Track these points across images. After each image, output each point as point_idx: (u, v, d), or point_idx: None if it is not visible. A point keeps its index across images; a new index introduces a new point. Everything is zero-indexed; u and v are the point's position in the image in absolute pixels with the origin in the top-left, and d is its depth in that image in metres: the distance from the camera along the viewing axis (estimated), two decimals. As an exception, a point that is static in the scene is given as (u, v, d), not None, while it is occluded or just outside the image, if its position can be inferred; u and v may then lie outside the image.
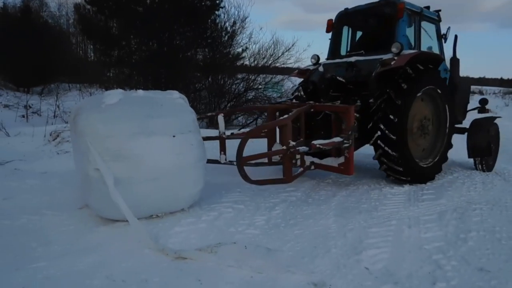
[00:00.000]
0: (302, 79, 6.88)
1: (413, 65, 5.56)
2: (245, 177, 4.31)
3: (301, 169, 5.21)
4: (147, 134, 3.87)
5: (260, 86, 15.34)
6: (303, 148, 4.80)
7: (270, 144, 5.89)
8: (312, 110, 5.60)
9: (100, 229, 3.81)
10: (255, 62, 15.47)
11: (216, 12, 14.79)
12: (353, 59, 6.20)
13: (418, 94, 5.59)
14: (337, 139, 5.05)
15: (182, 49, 13.67)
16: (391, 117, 5.30)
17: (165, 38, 13.22)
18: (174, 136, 4.02)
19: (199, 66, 14.53)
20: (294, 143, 4.68)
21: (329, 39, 6.91)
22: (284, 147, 4.67)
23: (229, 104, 14.72)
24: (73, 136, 4.25)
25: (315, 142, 4.87)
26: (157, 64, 12.86)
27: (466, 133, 6.85)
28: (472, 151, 6.70)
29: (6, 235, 3.65)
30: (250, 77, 15.26)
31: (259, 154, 4.59)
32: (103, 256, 3.22)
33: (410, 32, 6.24)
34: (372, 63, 5.68)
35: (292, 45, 15.05)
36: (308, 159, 5.47)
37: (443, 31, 6.99)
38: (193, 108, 4.77)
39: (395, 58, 5.39)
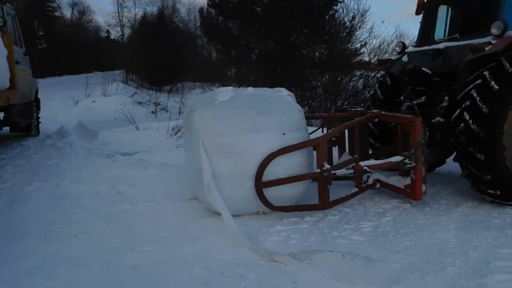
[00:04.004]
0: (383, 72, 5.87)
1: None
2: (265, 203, 3.89)
3: (356, 189, 4.36)
4: (257, 131, 3.90)
5: (380, 83, 14.53)
6: (341, 172, 4.06)
7: (341, 153, 5.20)
8: (376, 120, 4.79)
9: (206, 220, 3.97)
10: (376, 57, 14.70)
11: (335, 7, 14.42)
12: (442, 45, 5.04)
13: None
14: (395, 159, 4.20)
15: (298, 47, 13.66)
16: (483, 108, 4.08)
17: (282, 36, 13.36)
18: (284, 134, 3.98)
19: (315, 63, 14.37)
20: (328, 166, 3.98)
21: (420, 22, 5.76)
22: (318, 170, 3.96)
23: (345, 102, 14.26)
24: (186, 131, 4.49)
25: (362, 163, 4.09)
26: (273, 62, 13.09)
27: None
28: None
29: (126, 218, 4.04)
30: (370, 73, 14.54)
31: (284, 179, 3.91)
32: (204, 247, 3.33)
33: None
34: (465, 50, 4.52)
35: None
36: (374, 176, 4.58)
37: None
38: (308, 105, 4.64)
39: (493, 41, 4.21)
